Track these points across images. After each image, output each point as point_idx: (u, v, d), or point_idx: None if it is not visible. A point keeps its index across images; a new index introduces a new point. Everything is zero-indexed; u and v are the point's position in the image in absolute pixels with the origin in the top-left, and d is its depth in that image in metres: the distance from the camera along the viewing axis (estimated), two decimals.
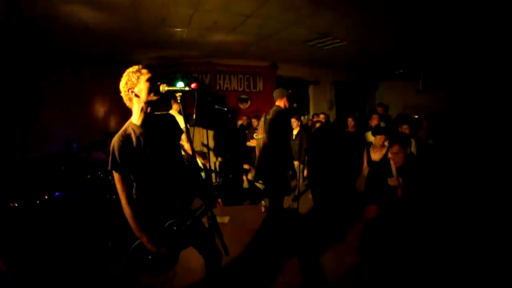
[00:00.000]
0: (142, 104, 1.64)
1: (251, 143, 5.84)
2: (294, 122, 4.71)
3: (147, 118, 1.68)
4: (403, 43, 5.67)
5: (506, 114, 6.81)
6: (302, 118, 6.64)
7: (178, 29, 4.65)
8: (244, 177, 5.37)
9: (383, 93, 10.66)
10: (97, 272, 2.98)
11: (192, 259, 2.28)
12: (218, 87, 7.04)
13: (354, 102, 9.87)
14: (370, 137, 4.53)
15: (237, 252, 3.23)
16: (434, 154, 3.69)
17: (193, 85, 1.62)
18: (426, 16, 4.29)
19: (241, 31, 4.86)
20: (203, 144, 6.01)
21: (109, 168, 1.61)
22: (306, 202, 4.84)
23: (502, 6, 3.84)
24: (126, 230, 1.68)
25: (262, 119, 3.40)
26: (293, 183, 5.42)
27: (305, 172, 4.62)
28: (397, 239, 2.66)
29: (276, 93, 3.44)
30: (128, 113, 1.73)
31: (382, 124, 4.71)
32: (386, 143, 3.83)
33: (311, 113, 8.34)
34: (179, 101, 1.60)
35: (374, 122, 4.76)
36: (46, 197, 3.55)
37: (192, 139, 1.73)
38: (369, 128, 5.02)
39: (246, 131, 6.27)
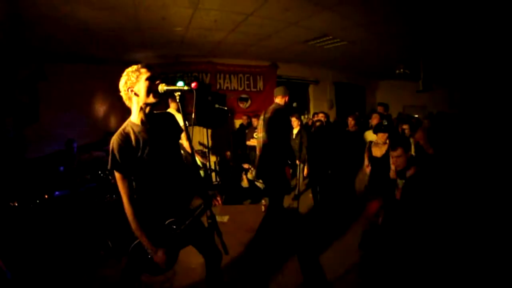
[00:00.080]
0: (141, 104, 1.64)
1: (251, 142, 5.85)
2: (294, 121, 4.71)
3: (147, 117, 1.68)
4: (403, 43, 5.67)
5: (507, 114, 6.81)
6: (302, 117, 6.64)
7: (178, 29, 4.65)
8: (244, 177, 5.37)
9: (383, 93, 10.68)
10: (97, 271, 2.98)
11: (192, 258, 2.28)
12: (218, 87, 7.05)
13: (354, 101, 9.87)
14: (369, 136, 4.53)
15: (237, 252, 3.22)
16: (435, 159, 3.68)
17: (193, 85, 1.61)
18: (426, 16, 4.28)
19: (241, 30, 4.86)
20: (200, 143, 6.03)
21: (109, 167, 1.61)
22: (306, 201, 4.85)
23: (503, 6, 3.84)
24: (126, 229, 1.68)
25: (261, 117, 3.37)
26: (293, 182, 5.43)
27: (305, 171, 4.62)
28: (398, 239, 2.65)
29: (278, 90, 3.37)
30: (128, 112, 1.73)
31: (385, 122, 4.71)
32: (387, 141, 3.86)
33: (311, 112, 8.35)
34: (177, 100, 1.60)
35: (374, 121, 4.75)
36: (46, 196, 3.55)
37: (191, 138, 1.73)
38: (369, 128, 5.02)
39: (246, 131, 6.28)
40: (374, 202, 3.31)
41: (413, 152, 3.33)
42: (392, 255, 2.66)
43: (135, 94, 1.63)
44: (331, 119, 7.21)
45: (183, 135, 1.90)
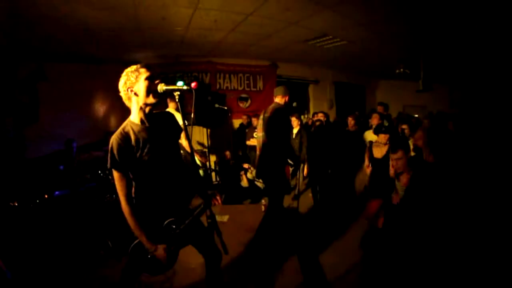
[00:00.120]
0: (141, 103, 1.65)
1: (251, 142, 5.85)
2: (294, 121, 4.71)
3: (146, 116, 1.69)
4: (403, 43, 5.67)
5: (508, 114, 6.80)
6: (302, 117, 6.64)
7: (178, 29, 4.65)
8: (244, 176, 5.37)
9: (383, 92, 10.68)
10: (97, 271, 2.98)
11: (191, 258, 2.28)
12: (218, 86, 7.04)
13: (354, 101, 9.87)
14: (369, 136, 4.53)
15: (236, 251, 3.23)
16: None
17: (193, 84, 1.61)
18: (427, 15, 4.28)
19: (241, 30, 4.85)
20: (198, 143, 6.03)
21: (108, 166, 1.61)
22: (306, 201, 4.85)
23: (503, 4, 3.83)
24: (126, 229, 1.68)
25: (261, 116, 3.36)
26: (293, 182, 5.43)
27: (305, 171, 4.62)
28: (398, 242, 2.65)
29: (278, 90, 3.35)
30: (128, 112, 1.73)
31: (386, 123, 4.71)
32: (388, 142, 3.86)
33: (311, 112, 8.35)
34: (177, 100, 1.60)
35: (374, 121, 4.76)
36: (46, 196, 3.55)
37: (190, 137, 1.73)
38: (369, 127, 5.02)
39: (246, 130, 6.28)
40: (374, 203, 3.31)
41: (412, 153, 3.31)
42: (392, 256, 2.66)
43: (135, 94, 1.64)
44: (331, 119, 7.20)
45: (183, 135, 1.90)
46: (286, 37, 5.31)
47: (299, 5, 3.89)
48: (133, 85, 1.63)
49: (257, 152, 3.47)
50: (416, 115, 7.80)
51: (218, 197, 1.93)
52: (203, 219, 1.75)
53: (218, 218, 3.17)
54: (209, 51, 6.27)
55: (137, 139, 1.64)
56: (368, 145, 4.40)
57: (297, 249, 3.32)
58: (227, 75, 7.19)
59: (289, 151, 3.53)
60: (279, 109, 3.24)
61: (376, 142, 4.11)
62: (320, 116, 5.61)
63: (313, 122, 5.45)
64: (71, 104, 5.61)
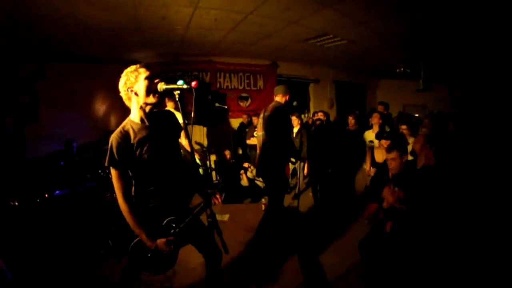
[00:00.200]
0: (141, 103, 1.65)
1: (252, 141, 5.85)
2: (294, 120, 4.71)
3: (146, 115, 1.69)
4: (403, 42, 5.66)
5: (508, 114, 6.79)
6: (302, 116, 6.64)
7: (178, 28, 4.65)
8: (244, 176, 5.38)
9: (383, 92, 10.67)
10: (97, 271, 2.99)
11: (191, 258, 2.28)
12: (218, 85, 7.04)
13: (355, 100, 9.86)
14: (369, 135, 4.52)
15: (237, 251, 3.23)
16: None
17: (193, 83, 1.61)
18: (427, 14, 4.27)
19: (241, 29, 4.85)
20: (196, 143, 6.03)
21: (106, 164, 1.62)
22: (307, 200, 4.84)
23: (503, 3, 3.82)
24: (126, 228, 1.68)
25: (261, 115, 3.35)
26: (293, 181, 5.43)
27: (306, 170, 4.62)
28: (398, 242, 2.63)
29: (278, 89, 3.33)
30: (128, 111, 1.74)
31: (387, 129, 4.71)
32: None
33: (312, 111, 8.34)
34: (177, 99, 1.60)
35: (374, 120, 4.75)
36: (46, 195, 3.55)
37: (191, 136, 1.73)
38: (369, 127, 5.02)
39: (247, 129, 6.28)
40: (374, 205, 3.30)
41: (410, 157, 3.28)
42: (400, 260, 2.64)
43: (135, 94, 1.64)
44: (332, 118, 7.20)
45: (183, 134, 1.90)
46: (286, 36, 5.30)
47: (299, 4, 3.88)
48: (133, 85, 1.63)
49: (257, 151, 3.47)
50: (417, 115, 7.79)
51: (218, 196, 1.93)
52: (204, 218, 1.75)
53: (218, 217, 3.17)
54: (209, 50, 6.26)
55: (136, 138, 1.64)
56: (368, 144, 4.39)
57: (297, 248, 3.32)
58: (227, 74, 7.18)
59: (290, 147, 3.51)
60: (279, 107, 3.23)
61: (378, 146, 4.10)
62: (321, 115, 5.61)
63: (314, 121, 5.45)
64: (71, 104, 5.61)
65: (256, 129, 4.20)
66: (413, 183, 2.60)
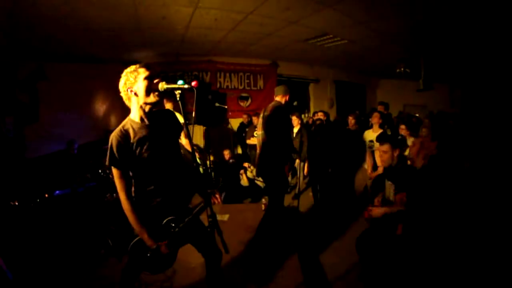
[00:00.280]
0: (141, 103, 1.65)
1: (252, 141, 5.85)
2: (294, 120, 4.71)
3: (146, 114, 1.69)
4: (403, 42, 5.66)
5: (508, 113, 6.79)
6: (303, 116, 6.64)
7: (179, 28, 4.65)
8: (244, 175, 5.37)
9: (384, 92, 10.67)
10: (97, 271, 2.98)
11: (191, 257, 2.28)
12: (218, 85, 7.04)
13: (355, 100, 9.87)
14: (369, 135, 4.52)
15: (237, 251, 3.23)
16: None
17: (193, 83, 1.61)
18: (427, 14, 4.27)
19: (241, 29, 4.85)
20: (193, 144, 6.02)
21: (107, 163, 1.62)
22: (307, 200, 4.84)
23: (504, 3, 3.82)
24: (126, 228, 1.68)
25: (261, 115, 3.35)
26: (293, 181, 5.43)
27: (306, 170, 4.61)
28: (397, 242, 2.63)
29: (278, 89, 3.33)
30: (128, 111, 1.74)
31: (389, 132, 4.71)
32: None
33: (312, 111, 8.34)
34: (178, 98, 1.60)
35: (375, 120, 4.75)
36: (46, 195, 3.55)
37: (191, 136, 1.73)
38: (369, 126, 5.01)
39: (247, 129, 6.28)
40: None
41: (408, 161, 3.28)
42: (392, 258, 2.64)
43: (135, 94, 1.64)
44: (332, 118, 7.20)
45: (183, 133, 1.90)
46: (286, 36, 5.31)
47: (299, 4, 3.88)
48: (133, 85, 1.63)
49: (257, 151, 3.46)
50: (417, 114, 7.77)
51: (217, 196, 1.93)
52: (204, 218, 1.75)
53: (218, 217, 3.17)
54: (210, 50, 6.27)
55: (136, 137, 1.64)
56: (368, 144, 4.38)
57: (297, 248, 3.32)
58: (227, 74, 7.19)
59: (290, 146, 3.51)
60: (278, 107, 3.22)
61: (378, 148, 4.10)
62: (321, 115, 5.61)
63: (314, 121, 5.45)
64: (71, 104, 5.60)
65: (256, 129, 4.20)
66: (412, 183, 2.61)
